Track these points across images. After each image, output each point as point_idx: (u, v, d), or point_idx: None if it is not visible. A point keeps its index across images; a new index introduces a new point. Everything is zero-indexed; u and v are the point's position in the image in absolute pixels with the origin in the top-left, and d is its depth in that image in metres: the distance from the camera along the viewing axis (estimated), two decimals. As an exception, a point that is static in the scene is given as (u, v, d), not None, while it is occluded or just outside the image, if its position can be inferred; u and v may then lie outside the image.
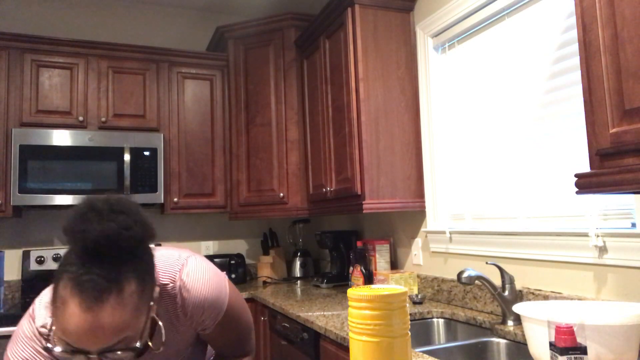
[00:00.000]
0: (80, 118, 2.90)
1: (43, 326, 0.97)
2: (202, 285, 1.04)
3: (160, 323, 0.97)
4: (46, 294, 1.02)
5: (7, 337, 2.33)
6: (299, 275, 3.37)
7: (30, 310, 1.01)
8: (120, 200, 0.87)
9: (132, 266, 0.84)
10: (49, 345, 0.83)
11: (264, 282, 3.22)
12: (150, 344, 0.88)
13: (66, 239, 0.83)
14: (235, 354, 1.21)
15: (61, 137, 2.79)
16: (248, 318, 1.19)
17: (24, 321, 0.99)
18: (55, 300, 0.81)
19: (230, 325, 1.13)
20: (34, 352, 0.97)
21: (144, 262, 0.87)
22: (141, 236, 0.85)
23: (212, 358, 1.33)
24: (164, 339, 1.00)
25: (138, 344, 0.84)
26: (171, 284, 1.02)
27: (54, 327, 0.82)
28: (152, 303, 0.89)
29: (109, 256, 0.81)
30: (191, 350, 1.18)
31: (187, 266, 1.05)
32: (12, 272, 3.01)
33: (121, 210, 0.85)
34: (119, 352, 0.82)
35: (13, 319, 2.37)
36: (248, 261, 3.59)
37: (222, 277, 1.11)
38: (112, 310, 0.79)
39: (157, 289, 0.94)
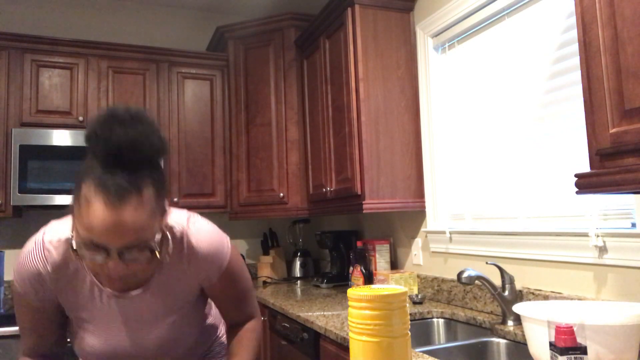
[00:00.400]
0: (80, 118, 2.90)
1: (55, 240, 1.02)
2: (206, 234, 1.09)
3: (169, 235, 1.03)
4: (52, 225, 1.06)
5: (7, 337, 2.33)
6: (299, 275, 3.37)
7: (35, 236, 1.05)
8: (140, 111, 0.90)
9: (150, 173, 0.90)
10: (72, 242, 0.88)
11: (264, 282, 3.22)
12: (158, 253, 0.91)
13: (89, 145, 0.88)
14: (241, 316, 1.23)
15: (61, 137, 2.79)
16: (249, 277, 1.22)
17: (29, 242, 1.04)
18: (78, 201, 0.86)
19: (233, 280, 1.15)
20: (39, 262, 1.01)
21: (160, 172, 0.93)
22: (159, 146, 0.89)
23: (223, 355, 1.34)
24: (170, 251, 1.04)
25: (153, 246, 0.89)
26: (179, 228, 1.06)
27: (76, 228, 0.87)
28: (164, 214, 0.95)
29: (130, 162, 0.86)
30: (197, 330, 1.18)
31: (193, 217, 1.11)
32: (12, 272, 3.01)
33: (141, 120, 0.88)
34: (135, 251, 0.87)
35: (13, 319, 2.37)
36: (248, 261, 3.59)
37: (223, 234, 1.15)
38: (133, 210, 0.85)
39: (169, 209, 1.00)
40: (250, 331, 1.22)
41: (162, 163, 0.91)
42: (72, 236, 0.90)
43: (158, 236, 0.92)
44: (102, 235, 0.84)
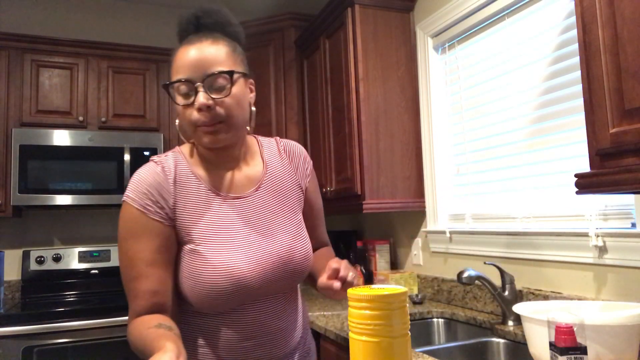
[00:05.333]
0: (80, 118, 2.90)
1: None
2: (292, 141, 1.26)
3: (262, 142, 1.22)
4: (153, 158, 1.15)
5: (7, 337, 2.33)
6: (299, 275, 3.36)
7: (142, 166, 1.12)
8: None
9: (223, 35, 1.09)
10: (166, 82, 1.06)
11: (264, 282, 3.21)
12: (234, 81, 1.05)
13: (181, 27, 1.11)
14: (324, 236, 1.34)
15: (61, 137, 2.79)
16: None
17: (141, 168, 1.09)
18: (172, 56, 1.09)
19: (317, 188, 1.28)
20: (158, 172, 1.07)
21: (235, 42, 1.11)
22: (228, 18, 1.12)
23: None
24: (267, 154, 1.20)
25: (234, 74, 1.04)
26: (270, 139, 1.24)
27: (171, 81, 1.05)
28: (243, 68, 1.09)
29: (205, 25, 1.09)
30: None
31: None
32: (12, 272, 3.01)
33: (217, 9, 1.12)
34: (219, 80, 1.02)
35: (13, 319, 2.37)
36: (248, 261, 3.59)
37: None
38: (210, 47, 1.04)
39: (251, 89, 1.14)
40: (330, 250, 1.35)
41: (239, 44, 1.15)
42: (171, 90, 1.07)
43: (239, 78, 1.06)
44: (187, 69, 1.02)
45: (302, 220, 1.19)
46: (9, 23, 3.17)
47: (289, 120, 3.08)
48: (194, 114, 1.02)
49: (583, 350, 0.97)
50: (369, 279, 2.56)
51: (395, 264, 2.67)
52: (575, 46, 1.65)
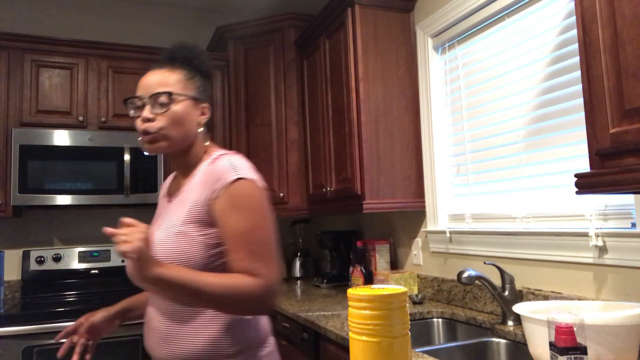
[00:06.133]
0: (80, 118, 2.90)
1: None
2: (236, 158, 1.22)
3: (210, 155, 1.28)
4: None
5: (7, 337, 2.33)
6: (299, 275, 3.37)
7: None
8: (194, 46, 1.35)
9: (186, 67, 1.29)
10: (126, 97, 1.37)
11: (264, 282, 3.21)
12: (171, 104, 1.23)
13: (160, 58, 1.31)
14: (240, 264, 1.12)
15: (61, 137, 2.79)
16: (264, 227, 1.15)
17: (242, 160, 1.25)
18: None
19: (234, 206, 1.14)
20: None
21: (194, 71, 1.29)
22: (195, 53, 1.31)
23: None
24: (204, 164, 1.26)
25: (172, 95, 1.22)
26: (222, 152, 1.27)
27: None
28: (194, 93, 1.27)
29: (172, 57, 1.30)
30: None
31: (242, 157, 1.25)
32: (12, 272, 3.01)
33: (192, 45, 1.33)
34: (160, 98, 1.21)
35: (13, 319, 2.37)
36: (248, 261, 3.58)
37: (256, 174, 1.22)
38: (164, 73, 1.25)
39: (207, 108, 1.30)
40: (234, 276, 1.11)
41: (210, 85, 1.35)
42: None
43: (180, 106, 1.23)
44: (140, 88, 1.24)
45: (187, 232, 1.16)
46: (9, 23, 3.17)
47: (289, 120, 3.08)
48: (140, 125, 1.22)
49: (583, 350, 0.97)
50: (369, 279, 2.56)
51: (395, 264, 2.67)
52: (575, 46, 1.65)
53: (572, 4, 1.66)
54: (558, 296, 1.66)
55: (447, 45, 2.33)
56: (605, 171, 1.04)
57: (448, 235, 2.21)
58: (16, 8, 3.20)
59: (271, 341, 1.28)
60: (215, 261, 1.17)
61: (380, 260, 2.57)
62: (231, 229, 1.13)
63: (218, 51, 3.46)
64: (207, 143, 1.32)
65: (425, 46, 2.40)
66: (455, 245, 2.18)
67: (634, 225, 1.45)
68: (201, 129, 1.29)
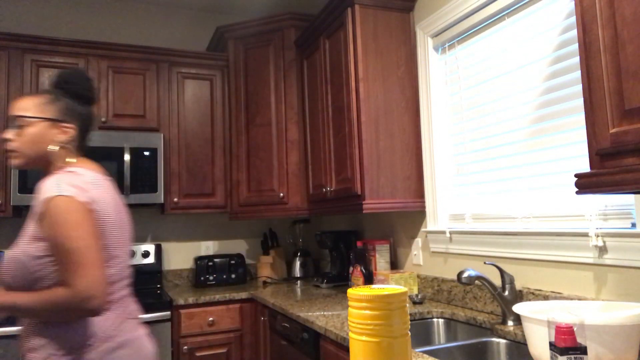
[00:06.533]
0: (80, 118, 2.89)
1: None
2: (64, 176, 1.30)
3: (57, 171, 1.36)
4: None
5: (7, 337, 2.33)
6: (299, 275, 3.37)
7: None
8: (80, 72, 1.49)
9: (49, 90, 1.43)
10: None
11: (264, 282, 3.22)
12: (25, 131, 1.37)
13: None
14: (61, 275, 1.25)
15: (61, 137, 2.78)
16: (73, 237, 1.24)
17: None
18: None
19: (51, 223, 1.24)
20: None
21: (60, 95, 1.42)
22: (64, 80, 1.43)
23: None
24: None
25: (24, 118, 1.37)
26: (66, 170, 1.35)
27: None
28: (53, 115, 1.39)
29: (52, 84, 1.45)
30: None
31: (79, 172, 1.35)
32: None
33: (78, 75, 1.47)
34: (16, 120, 1.37)
35: (13, 319, 2.37)
36: (248, 261, 3.59)
37: (77, 188, 1.28)
38: (26, 98, 1.39)
39: (66, 129, 1.41)
40: (49, 290, 1.24)
41: (85, 109, 1.48)
42: None
43: (37, 129, 1.37)
44: (10, 112, 1.39)
45: (25, 243, 1.29)
46: (9, 23, 3.17)
47: (289, 120, 3.08)
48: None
49: (583, 350, 0.97)
50: (369, 279, 2.56)
51: (395, 264, 2.67)
52: (575, 46, 1.65)
53: (572, 4, 1.66)
54: (558, 296, 1.66)
55: (447, 45, 2.33)
56: (605, 171, 1.04)
57: (448, 235, 2.21)
58: (16, 8, 3.20)
59: (107, 343, 1.30)
60: (41, 270, 1.27)
61: (380, 260, 2.57)
62: (54, 245, 1.25)
63: (218, 51, 3.46)
64: (73, 160, 1.42)
65: (425, 46, 2.40)
66: (455, 245, 2.18)
67: (634, 225, 1.45)
68: (56, 148, 1.39)
